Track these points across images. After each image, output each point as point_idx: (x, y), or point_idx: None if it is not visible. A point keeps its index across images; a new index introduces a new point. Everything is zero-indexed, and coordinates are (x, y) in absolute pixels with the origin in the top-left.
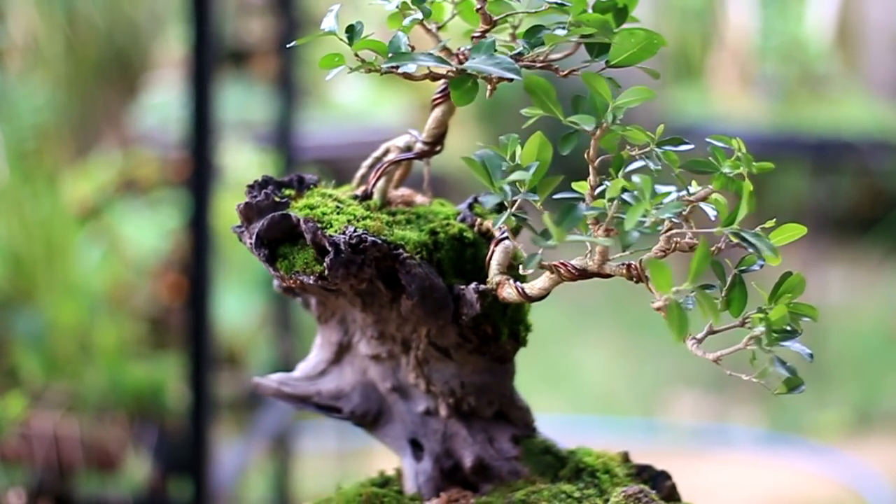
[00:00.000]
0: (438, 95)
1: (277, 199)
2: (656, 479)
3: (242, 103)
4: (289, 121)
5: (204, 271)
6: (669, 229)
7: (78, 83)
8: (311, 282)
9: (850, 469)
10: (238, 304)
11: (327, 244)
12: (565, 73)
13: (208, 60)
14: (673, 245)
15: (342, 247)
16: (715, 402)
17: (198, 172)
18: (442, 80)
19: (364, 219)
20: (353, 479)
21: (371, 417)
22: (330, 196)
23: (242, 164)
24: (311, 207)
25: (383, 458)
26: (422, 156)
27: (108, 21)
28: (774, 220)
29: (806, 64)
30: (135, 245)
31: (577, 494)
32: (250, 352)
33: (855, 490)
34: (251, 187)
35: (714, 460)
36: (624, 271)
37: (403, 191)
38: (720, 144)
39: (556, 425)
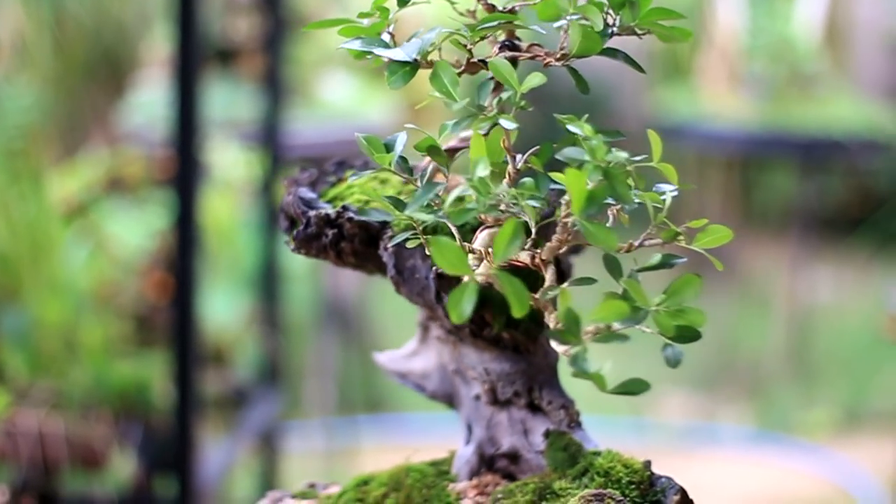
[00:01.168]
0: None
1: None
2: (665, 492)
3: (229, 102)
4: (275, 119)
5: (190, 269)
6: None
7: (65, 82)
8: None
9: (838, 467)
10: (225, 303)
11: (301, 217)
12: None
13: (194, 58)
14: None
15: (312, 220)
16: (703, 401)
17: (183, 170)
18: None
19: (389, 198)
20: (340, 478)
21: (447, 399)
22: (385, 181)
23: (229, 162)
24: (350, 186)
25: (371, 457)
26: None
27: (96, 20)
28: (706, 220)
29: (794, 63)
30: (121, 243)
31: (560, 492)
32: (237, 350)
33: (843, 488)
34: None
35: (703, 459)
36: (528, 260)
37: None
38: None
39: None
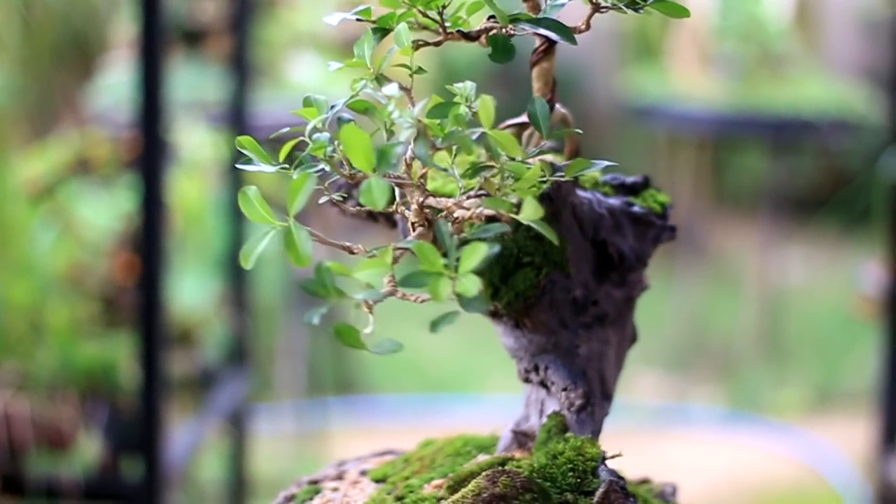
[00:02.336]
0: (538, 54)
1: None
2: (602, 483)
3: (196, 83)
4: (243, 100)
5: (156, 250)
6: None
7: (35, 66)
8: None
9: (809, 447)
10: (194, 285)
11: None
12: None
13: (159, 40)
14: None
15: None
16: (675, 382)
17: (149, 151)
18: (540, 40)
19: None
20: (310, 461)
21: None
22: None
23: (196, 144)
24: None
25: (341, 440)
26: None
27: (65, 3)
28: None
29: (765, 43)
30: (89, 225)
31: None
32: (205, 331)
33: (814, 468)
34: None
35: (674, 439)
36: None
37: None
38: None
39: (516, 405)
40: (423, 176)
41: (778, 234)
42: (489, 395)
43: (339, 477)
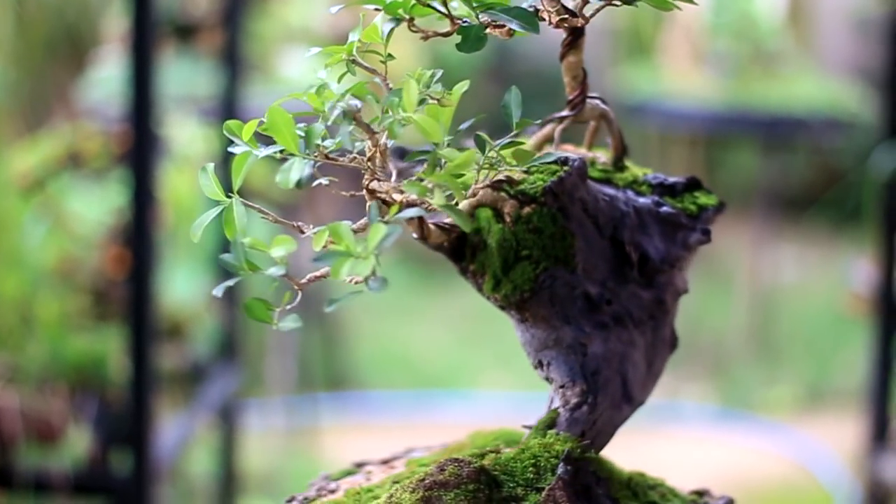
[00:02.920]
0: (564, 47)
1: None
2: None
3: (188, 77)
4: (234, 95)
5: (146, 243)
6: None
7: (27, 60)
8: None
9: (800, 446)
10: (186, 279)
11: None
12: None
13: (150, 33)
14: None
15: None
16: (666, 379)
17: (139, 145)
18: (564, 32)
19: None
20: (301, 457)
21: None
22: None
23: (188, 138)
24: None
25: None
26: (574, 107)
27: None
28: None
29: (758, 41)
30: (80, 219)
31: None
32: (195, 325)
33: (805, 467)
34: None
35: (665, 437)
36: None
37: (569, 146)
38: None
39: (508, 402)
40: (372, 159)
41: (770, 231)
42: (481, 391)
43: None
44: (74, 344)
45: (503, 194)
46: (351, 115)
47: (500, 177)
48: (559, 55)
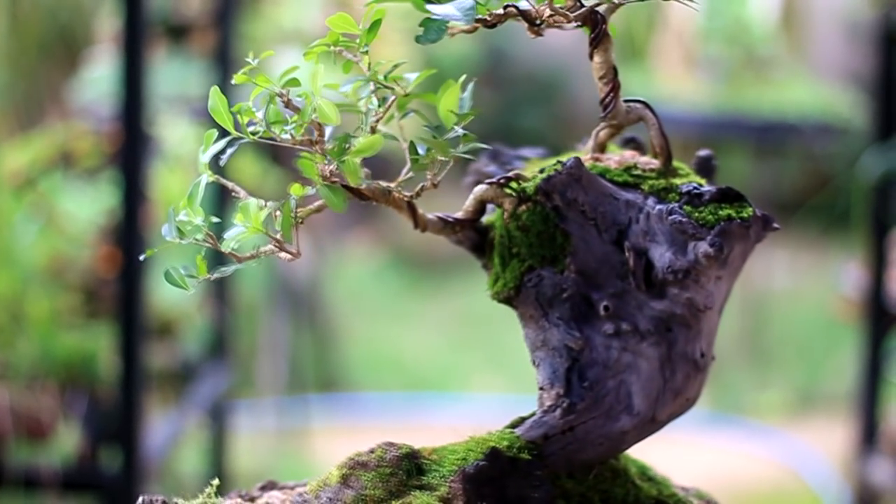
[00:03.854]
0: (590, 45)
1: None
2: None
3: (180, 77)
4: (226, 95)
5: (137, 242)
6: None
7: (22, 61)
8: None
9: (790, 450)
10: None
11: None
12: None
13: (141, 34)
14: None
15: None
16: None
17: (130, 145)
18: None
19: None
20: (290, 457)
21: None
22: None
23: (179, 137)
24: None
25: (322, 437)
26: (605, 109)
27: None
28: None
29: (750, 46)
30: (71, 218)
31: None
32: (185, 324)
33: (795, 471)
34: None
35: (655, 441)
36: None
37: (627, 153)
38: None
39: (499, 404)
40: (319, 143)
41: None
42: (472, 394)
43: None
44: (64, 341)
45: (507, 191)
46: (284, 99)
47: (510, 174)
48: (588, 54)
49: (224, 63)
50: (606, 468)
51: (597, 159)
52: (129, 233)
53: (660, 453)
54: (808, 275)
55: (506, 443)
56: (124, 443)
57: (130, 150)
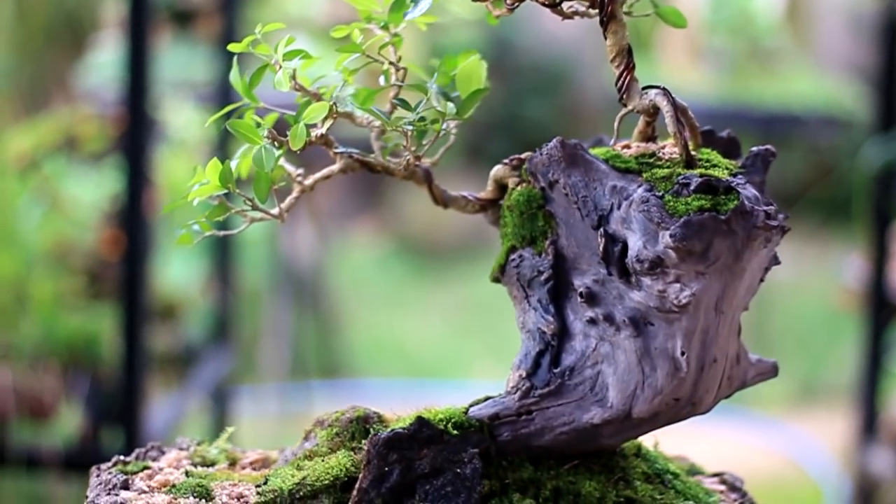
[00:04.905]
0: (601, 22)
1: None
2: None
3: (185, 63)
4: (230, 81)
5: (140, 225)
6: None
7: (27, 45)
8: None
9: (792, 441)
10: (182, 265)
11: None
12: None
13: (146, 19)
14: None
15: None
16: None
17: (135, 128)
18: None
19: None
20: (292, 443)
21: None
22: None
23: (183, 122)
24: None
25: None
26: (621, 85)
27: None
28: None
29: (755, 38)
30: (76, 201)
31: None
32: (188, 308)
33: (796, 462)
34: None
35: (658, 432)
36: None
37: (668, 143)
38: None
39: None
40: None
41: None
42: (474, 381)
43: None
44: (67, 323)
45: (514, 171)
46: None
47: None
48: (603, 28)
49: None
50: (599, 464)
51: (626, 146)
52: (133, 216)
53: (662, 444)
54: (809, 266)
55: (446, 417)
56: (126, 424)
57: (135, 134)
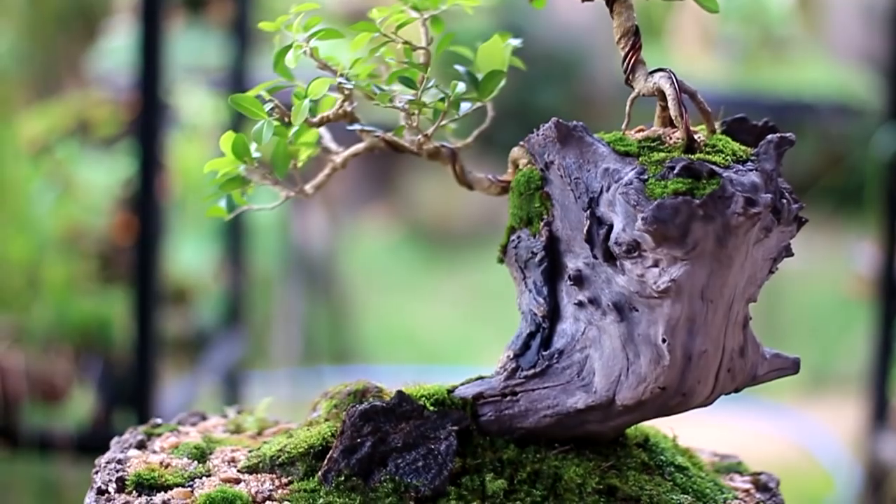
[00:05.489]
0: (607, 2)
1: None
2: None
3: (198, 48)
4: (243, 66)
5: (153, 209)
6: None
7: (40, 30)
8: None
9: (803, 429)
10: (195, 248)
11: None
12: None
13: (160, 3)
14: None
15: None
16: None
17: (147, 114)
18: None
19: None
20: None
21: None
22: None
23: (196, 107)
24: None
25: None
26: (626, 66)
27: None
28: None
29: (768, 26)
30: (89, 185)
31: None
32: (201, 292)
33: (807, 450)
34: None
35: (667, 420)
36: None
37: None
38: None
39: None
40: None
41: None
42: (484, 367)
43: None
44: (80, 307)
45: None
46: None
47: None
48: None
49: (242, 34)
50: (594, 451)
51: (639, 130)
52: (146, 201)
53: (673, 432)
54: (821, 254)
55: (429, 394)
56: (138, 407)
57: (148, 119)
